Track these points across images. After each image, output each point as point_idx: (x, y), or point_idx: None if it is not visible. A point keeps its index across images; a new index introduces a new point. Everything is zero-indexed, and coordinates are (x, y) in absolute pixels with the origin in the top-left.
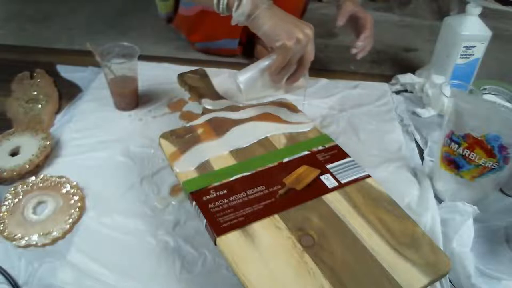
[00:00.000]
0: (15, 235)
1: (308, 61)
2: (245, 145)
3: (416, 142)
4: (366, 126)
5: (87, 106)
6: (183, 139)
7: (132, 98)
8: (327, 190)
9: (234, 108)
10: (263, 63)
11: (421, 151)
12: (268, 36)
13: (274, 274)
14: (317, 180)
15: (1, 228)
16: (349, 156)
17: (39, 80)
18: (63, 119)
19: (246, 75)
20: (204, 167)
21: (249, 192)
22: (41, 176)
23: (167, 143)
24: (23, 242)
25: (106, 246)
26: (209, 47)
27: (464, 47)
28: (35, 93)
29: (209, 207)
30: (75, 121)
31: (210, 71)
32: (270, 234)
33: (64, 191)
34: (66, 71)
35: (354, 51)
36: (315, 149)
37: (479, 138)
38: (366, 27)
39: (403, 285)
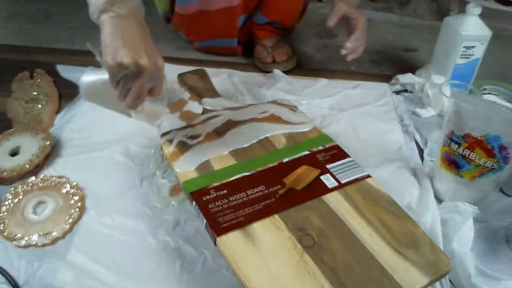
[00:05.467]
0: (15, 235)
1: (140, 93)
2: (245, 145)
3: (416, 142)
4: (366, 126)
5: (87, 106)
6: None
7: None
8: (327, 190)
9: (234, 108)
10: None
11: (421, 151)
12: (102, 45)
13: (274, 274)
14: (317, 180)
15: (1, 228)
16: (349, 156)
17: (39, 80)
18: (63, 119)
19: (89, 78)
20: (204, 167)
21: (249, 192)
22: (41, 176)
23: (167, 143)
24: (23, 242)
25: (106, 246)
26: (208, 45)
27: (464, 47)
28: (35, 93)
29: (209, 207)
30: (75, 121)
31: (209, 71)
32: (270, 234)
33: (64, 191)
34: (66, 71)
35: (343, 52)
36: (315, 149)
37: (479, 138)
38: (357, 28)
39: (403, 285)
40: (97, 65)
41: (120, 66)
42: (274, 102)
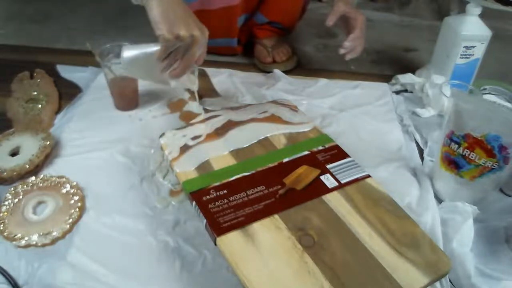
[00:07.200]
0: (15, 235)
1: (190, 62)
2: (245, 145)
3: (416, 142)
4: (366, 126)
5: (87, 106)
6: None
7: (132, 98)
8: (327, 190)
9: (234, 108)
10: (152, 48)
11: (421, 151)
12: (153, 23)
13: (274, 274)
14: (317, 180)
15: (1, 228)
16: (349, 156)
17: (39, 80)
18: (63, 119)
19: (130, 53)
20: (204, 167)
21: (249, 192)
22: (41, 176)
23: (167, 143)
24: (23, 242)
25: (106, 246)
26: (208, 45)
27: (464, 47)
28: (35, 93)
29: (209, 207)
30: (75, 121)
31: (210, 71)
32: (270, 234)
33: (64, 191)
34: (66, 71)
35: (342, 51)
36: (315, 149)
37: (479, 138)
38: (355, 27)
39: (403, 285)
40: (97, 65)
41: (177, 38)
42: (274, 102)
